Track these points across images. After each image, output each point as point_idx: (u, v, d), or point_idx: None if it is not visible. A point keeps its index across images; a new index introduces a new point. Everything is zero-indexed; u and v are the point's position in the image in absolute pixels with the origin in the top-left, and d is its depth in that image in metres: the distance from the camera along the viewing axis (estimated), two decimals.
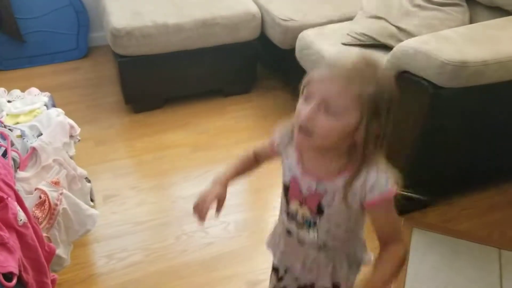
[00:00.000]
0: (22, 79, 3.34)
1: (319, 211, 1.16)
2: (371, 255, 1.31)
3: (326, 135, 1.02)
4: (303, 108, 1.03)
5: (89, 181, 2.09)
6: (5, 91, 2.11)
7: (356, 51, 1.05)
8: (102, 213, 2.15)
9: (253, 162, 1.36)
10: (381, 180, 1.05)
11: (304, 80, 1.05)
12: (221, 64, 3.05)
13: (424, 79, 1.89)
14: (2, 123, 1.77)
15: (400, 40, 2.27)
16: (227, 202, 2.31)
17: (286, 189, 1.22)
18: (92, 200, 2.11)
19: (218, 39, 2.93)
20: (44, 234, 1.50)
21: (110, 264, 2.04)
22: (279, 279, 1.46)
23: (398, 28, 2.45)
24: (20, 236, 1.22)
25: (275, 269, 1.48)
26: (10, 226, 1.18)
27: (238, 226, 2.23)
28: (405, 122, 2.03)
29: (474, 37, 1.99)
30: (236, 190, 2.44)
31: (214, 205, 1.26)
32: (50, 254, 1.42)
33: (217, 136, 2.83)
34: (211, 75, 3.09)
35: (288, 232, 1.28)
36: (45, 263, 1.34)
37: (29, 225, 1.27)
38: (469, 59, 1.81)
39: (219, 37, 2.92)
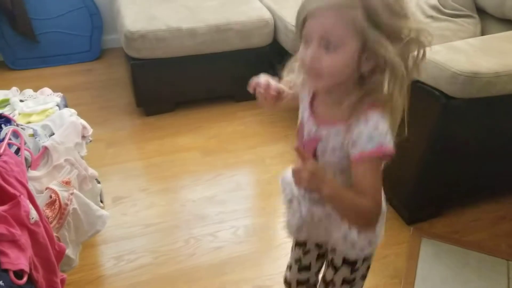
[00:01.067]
0: (35, 79, 3.39)
1: (314, 157, 1.15)
2: None
3: (334, 71, 1.01)
4: (306, 52, 1.03)
5: (99, 182, 2.10)
6: (17, 90, 2.13)
7: None
8: (111, 214, 2.16)
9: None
10: (364, 136, 1.02)
11: (297, 21, 1.04)
12: (233, 69, 3.06)
13: (436, 89, 1.89)
14: (15, 121, 1.78)
15: None
16: (238, 206, 2.32)
17: (298, 127, 1.22)
18: (101, 201, 2.13)
19: (231, 45, 2.95)
20: (54, 234, 1.51)
21: (119, 265, 2.05)
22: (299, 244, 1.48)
23: None
24: (32, 234, 1.23)
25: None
26: (22, 224, 1.19)
27: (248, 231, 2.23)
28: (416, 131, 2.02)
29: (486, 49, 1.99)
30: (246, 195, 2.45)
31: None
32: (60, 254, 1.43)
33: (227, 141, 2.84)
34: (223, 80, 3.11)
35: None
36: (55, 262, 1.35)
37: (40, 223, 1.28)
38: (481, 70, 1.80)
39: (232, 42, 2.94)
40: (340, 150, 1.09)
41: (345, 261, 1.33)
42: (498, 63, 1.85)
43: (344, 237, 1.23)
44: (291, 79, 1.24)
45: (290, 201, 1.31)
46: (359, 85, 1.05)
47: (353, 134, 1.03)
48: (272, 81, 1.25)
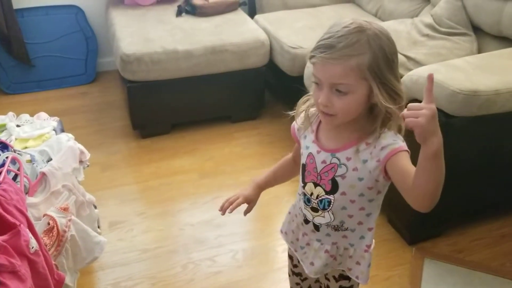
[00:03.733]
0: (30, 103, 3.36)
1: (334, 187, 1.21)
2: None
3: (347, 112, 1.11)
4: (318, 94, 1.12)
5: (95, 207, 2.07)
6: (14, 116, 2.11)
7: (347, 20, 1.09)
8: (108, 240, 2.12)
9: (292, 164, 1.44)
10: (389, 140, 1.12)
11: (310, 57, 1.10)
12: (229, 90, 3.06)
13: None
14: (12, 147, 1.76)
15: (409, 69, 2.27)
16: (237, 229, 2.29)
17: (304, 169, 1.28)
18: (98, 227, 2.09)
19: (227, 66, 2.95)
20: (53, 262, 1.48)
21: None
22: (294, 265, 1.51)
23: (406, 57, 2.45)
24: (32, 264, 1.20)
25: (290, 256, 1.53)
26: (22, 254, 1.16)
27: (247, 255, 2.20)
28: (415, 150, 2.01)
29: (485, 66, 2.00)
30: (244, 217, 2.40)
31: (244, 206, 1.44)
32: (59, 283, 1.40)
33: (225, 162, 2.82)
34: (219, 101, 3.09)
35: (306, 221, 1.32)
36: None
37: (40, 252, 1.25)
38: (480, 88, 1.80)
39: (228, 63, 2.94)
40: (362, 166, 1.15)
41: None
42: (498, 80, 1.85)
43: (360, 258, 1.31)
44: (294, 127, 1.35)
45: (307, 245, 1.36)
46: (370, 112, 1.14)
47: (378, 145, 1.12)
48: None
